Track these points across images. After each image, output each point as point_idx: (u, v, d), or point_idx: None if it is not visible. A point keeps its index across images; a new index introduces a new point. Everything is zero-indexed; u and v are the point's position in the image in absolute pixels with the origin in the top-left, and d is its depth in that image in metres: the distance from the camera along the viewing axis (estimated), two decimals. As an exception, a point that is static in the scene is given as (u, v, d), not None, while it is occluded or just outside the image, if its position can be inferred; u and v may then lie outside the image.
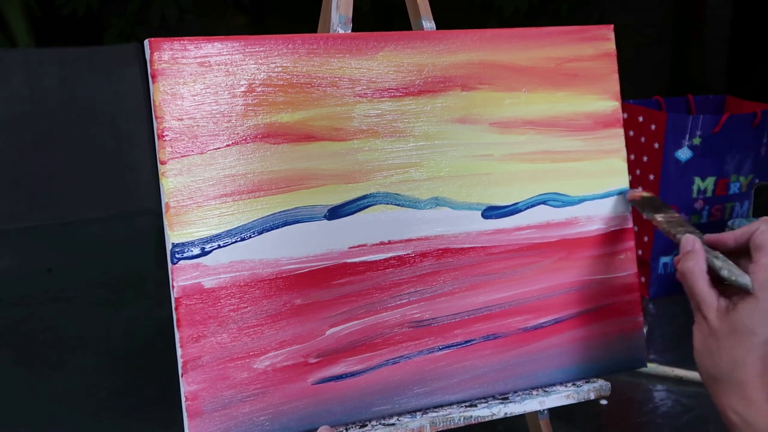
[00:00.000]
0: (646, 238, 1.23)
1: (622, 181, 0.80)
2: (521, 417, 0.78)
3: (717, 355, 0.61)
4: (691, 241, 0.65)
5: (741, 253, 0.65)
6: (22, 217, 1.72)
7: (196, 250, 0.63)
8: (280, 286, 0.66)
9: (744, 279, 0.61)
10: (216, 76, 0.64)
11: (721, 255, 0.64)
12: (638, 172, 1.23)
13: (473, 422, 0.72)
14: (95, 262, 1.50)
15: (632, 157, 1.23)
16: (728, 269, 0.63)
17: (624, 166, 0.80)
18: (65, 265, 1.47)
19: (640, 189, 0.80)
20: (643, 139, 1.22)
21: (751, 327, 0.60)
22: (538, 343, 0.76)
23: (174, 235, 0.62)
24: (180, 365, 0.62)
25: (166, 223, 0.62)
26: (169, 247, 0.62)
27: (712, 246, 0.66)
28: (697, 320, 0.64)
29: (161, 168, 0.62)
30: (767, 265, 0.61)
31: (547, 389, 0.76)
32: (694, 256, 0.64)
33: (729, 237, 0.65)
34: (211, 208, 0.64)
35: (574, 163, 0.78)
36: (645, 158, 1.22)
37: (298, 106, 0.67)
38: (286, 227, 0.66)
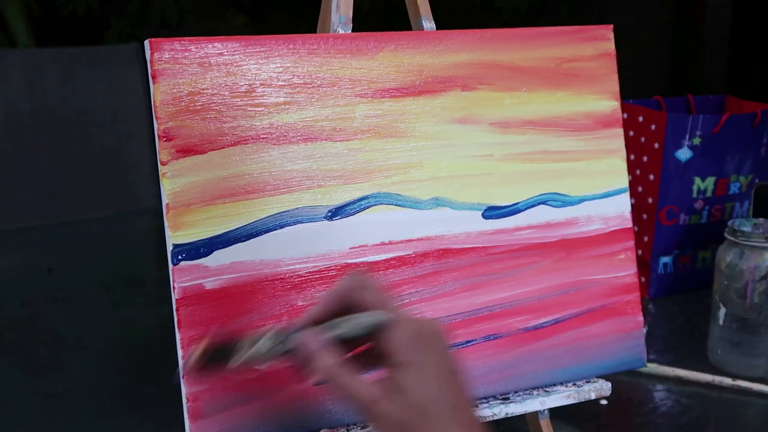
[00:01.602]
0: (646, 238, 1.23)
1: (622, 181, 0.80)
2: (522, 417, 0.78)
3: None
4: (305, 341, 0.53)
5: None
6: (22, 217, 1.72)
7: (197, 251, 0.63)
8: (281, 287, 0.66)
9: (377, 317, 0.53)
10: (216, 77, 0.64)
11: (331, 322, 0.55)
12: (638, 172, 1.23)
13: (474, 422, 0.72)
14: (95, 262, 1.50)
15: (632, 157, 1.23)
16: (352, 327, 0.54)
17: (624, 166, 0.80)
18: (65, 265, 1.47)
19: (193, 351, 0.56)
20: (643, 139, 1.22)
21: (432, 396, 0.51)
22: (539, 343, 0.76)
23: (175, 236, 0.62)
24: (181, 366, 0.62)
25: (166, 223, 0.62)
26: (169, 248, 0.62)
27: (317, 324, 0.55)
28: (371, 421, 0.53)
29: (162, 168, 0.62)
30: (396, 325, 0.53)
31: (547, 389, 0.76)
32: (321, 355, 0.53)
33: (329, 308, 0.55)
34: (212, 209, 0.64)
35: (574, 163, 0.78)
36: (645, 158, 1.22)
37: (298, 107, 0.67)
38: (286, 228, 0.66)
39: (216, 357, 0.55)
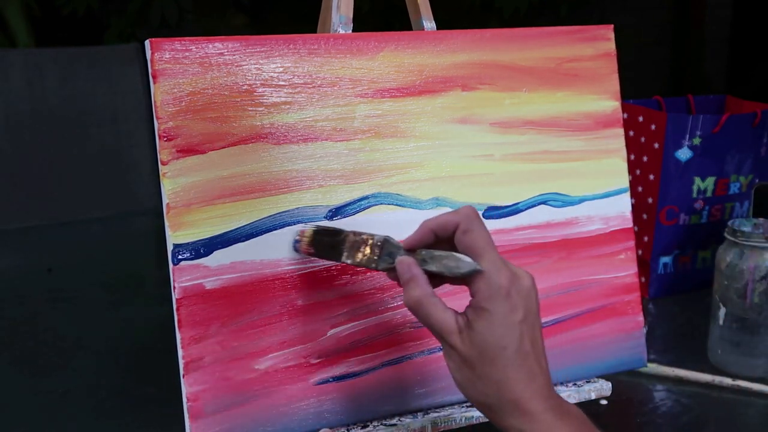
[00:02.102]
0: (646, 238, 1.23)
1: (623, 180, 0.80)
2: (522, 417, 0.77)
3: (480, 382, 0.56)
4: (406, 266, 0.58)
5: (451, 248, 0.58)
6: (22, 217, 1.71)
7: (197, 251, 0.63)
8: (281, 287, 0.66)
9: (468, 267, 0.56)
10: (217, 76, 0.64)
11: (431, 252, 0.58)
12: (638, 172, 1.23)
13: (474, 422, 0.72)
14: (95, 262, 1.49)
15: (632, 157, 1.23)
16: (446, 264, 0.57)
17: (624, 166, 0.80)
18: (65, 265, 1.47)
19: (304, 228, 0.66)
20: (643, 139, 1.22)
21: (495, 343, 0.55)
22: (539, 344, 0.76)
23: (175, 235, 0.62)
24: (181, 366, 0.62)
25: (167, 223, 0.62)
26: (170, 248, 0.62)
27: (415, 249, 0.59)
28: (444, 350, 0.58)
29: (162, 168, 0.62)
30: (488, 271, 0.56)
31: (547, 389, 0.76)
32: (416, 282, 0.57)
33: (426, 234, 0.59)
34: (212, 209, 0.64)
35: (574, 163, 0.78)
36: (645, 158, 1.22)
37: (299, 106, 0.67)
38: (287, 228, 0.66)
39: (322, 244, 0.64)
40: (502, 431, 0.57)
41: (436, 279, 0.59)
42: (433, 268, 0.58)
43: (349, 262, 0.62)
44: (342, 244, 0.62)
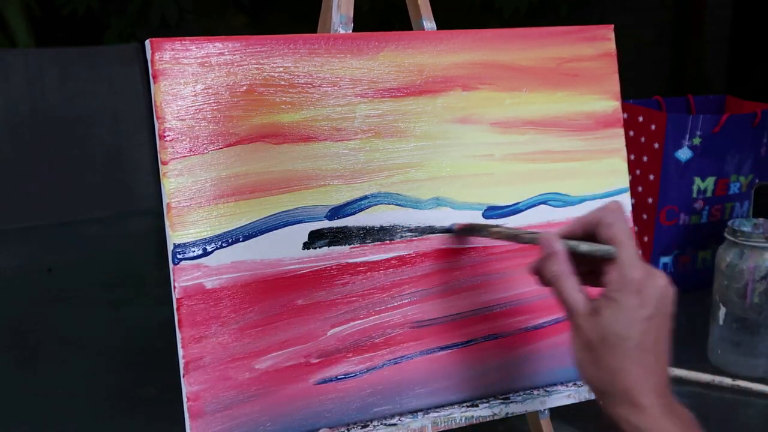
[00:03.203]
0: (646, 238, 1.23)
1: (623, 180, 0.80)
2: (522, 417, 0.78)
3: (596, 365, 0.58)
4: (549, 241, 0.60)
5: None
6: (22, 217, 1.72)
7: (198, 251, 0.63)
8: (281, 287, 0.66)
9: (605, 248, 0.58)
10: (217, 76, 0.64)
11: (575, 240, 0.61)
12: (638, 172, 1.23)
13: (475, 422, 0.72)
14: (95, 262, 1.50)
15: (632, 157, 1.23)
16: (587, 244, 0.59)
17: (624, 166, 0.80)
18: (65, 265, 1.47)
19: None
20: (643, 139, 1.22)
21: (618, 332, 0.57)
22: (539, 343, 0.76)
23: (175, 235, 0.62)
24: (182, 366, 0.62)
25: (167, 223, 0.62)
26: (170, 247, 0.62)
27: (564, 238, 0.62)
28: (571, 329, 0.60)
29: (162, 168, 0.62)
30: (622, 263, 0.58)
31: (548, 389, 0.76)
32: (557, 258, 0.60)
33: (576, 228, 0.62)
34: (213, 209, 0.64)
35: (574, 163, 0.78)
36: (645, 158, 1.22)
37: (299, 106, 0.67)
38: (287, 227, 0.66)
39: (473, 230, 0.71)
40: (611, 417, 0.59)
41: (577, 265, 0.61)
42: (572, 244, 0.60)
43: (493, 235, 0.69)
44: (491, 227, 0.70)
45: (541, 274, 0.61)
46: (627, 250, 0.58)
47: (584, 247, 0.59)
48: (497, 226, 0.70)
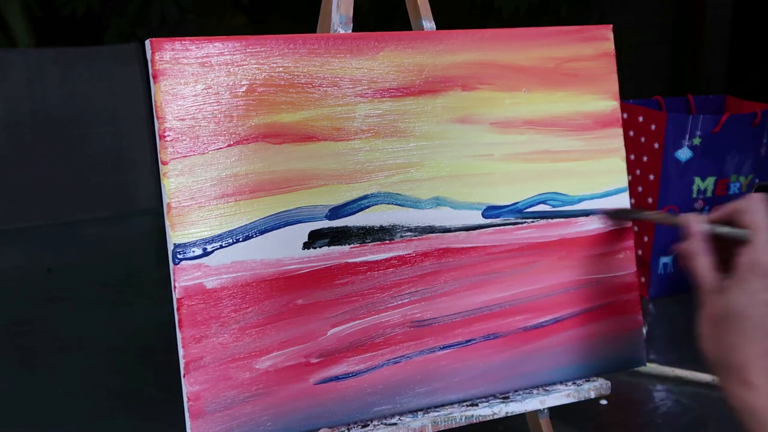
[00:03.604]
0: (646, 238, 1.23)
1: (622, 180, 0.80)
2: (522, 416, 0.78)
3: (716, 339, 0.61)
4: (689, 221, 0.66)
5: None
6: (22, 217, 1.72)
7: (198, 251, 0.63)
8: (281, 286, 0.66)
9: (740, 231, 0.62)
10: (217, 76, 0.64)
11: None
12: (638, 172, 1.24)
13: (474, 421, 0.72)
14: (95, 262, 1.50)
15: (632, 157, 1.23)
16: (726, 228, 0.64)
17: (623, 165, 0.80)
18: (65, 265, 1.47)
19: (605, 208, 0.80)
20: (643, 139, 1.22)
21: (741, 310, 0.60)
22: (539, 343, 0.76)
23: (176, 235, 0.62)
24: (182, 366, 0.62)
25: (167, 223, 0.62)
26: (170, 247, 0.62)
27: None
28: (701, 303, 0.64)
29: (163, 168, 0.62)
30: (755, 247, 0.61)
31: (547, 388, 0.76)
32: (694, 237, 0.65)
33: (721, 215, 0.66)
34: (213, 209, 0.64)
35: (573, 163, 0.78)
36: (645, 158, 1.22)
37: (299, 106, 0.67)
38: (287, 227, 0.66)
39: (623, 214, 0.78)
40: (723, 390, 0.62)
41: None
42: (716, 228, 0.64)
43: (644, 217, 0.78)
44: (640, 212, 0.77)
45: (682, 252, 0.66)
46: (762, 235, 0.61)
47: (722, 229, 0.64)
48: (646, 210, 0.79)
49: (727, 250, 0.64)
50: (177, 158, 0.63)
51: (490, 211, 0.74)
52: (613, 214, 0.78)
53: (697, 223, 0.66)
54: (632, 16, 3.50)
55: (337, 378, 0.68)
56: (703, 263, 0.64)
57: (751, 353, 0.60)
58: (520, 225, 0.75)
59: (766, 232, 0.62)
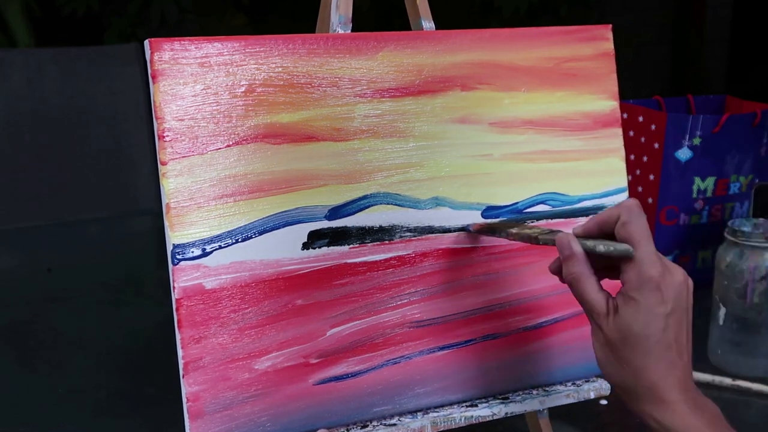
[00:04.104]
0: (646, 238, 1.23)
1: (621, 180, 0.80)
2: (521, 416, 0.78)
3: (619, 365, 0.59)
4: (567, 243, 0.61)
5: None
6: (22, 217, 1.72)
7: (197, 251, 0.63)
8: (281, 287, 0.66)
9: (622, 247, 0.58)
10: (216, 77, 0.64)
11: (590, 239, 0.61)
12: (638, 172, 1.23)
13: (474, 422, 0.72)
14: (95, 262, 1.50)
15: (632, 157, 1.23)
16: (604, 244, 0.59)
17: (623, 165, 0.80)
18: (65, 265, 1.47)
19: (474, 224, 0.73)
20: (643, 139, 1.22)
21: (639, 331, 0.57)
22: (538, 343, 0.76)
23: (175, 235, 0.62)
24: (181, 366, 0.62)
25: (166, 223, 0.62)
26: (169, 248, 0.62)
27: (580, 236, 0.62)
28: (592, 328, 0.61)
29: (162, 169, 0.62)
30: (640, 261, 0.58)
31: (547, 389, 0.76)
32: (575, 260, 0.60)
33: (592, 226, 0.62)
34: (212, 209, 0.64)
35: (573, 163, 0.78)
36: (645, 158, 1.22)
37: (298, 107, 0.67)
38: (286, 227, 0.66)
39: (490, 230, 0.71)
40: (636, 415, 0.59)
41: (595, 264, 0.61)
42: (590, 245, 0.60)
43: (511, 236, 0.68)
44: (508, 227, 0.69)
45: (561, 274, 0.62)
46: (644, 248, 0.58)
47: (601, 247, 0.59)
48: (516, 225, 0.70)
49: (610, 261, 0.60)
50: (176, 158, 0.63)
51: (489, 211, 0.74)
52: (483, 231, 0.72)
53: (574, 244, 0.60)
54: (632, 16, 3.50)
55: (336, 378, 0.68)
56: (588, 286, 0.60)
57: (660, 371, 0.57)
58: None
59: (648, 241, 0.58)
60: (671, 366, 0.58)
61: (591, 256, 0.60)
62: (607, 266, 0.62)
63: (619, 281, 0.60)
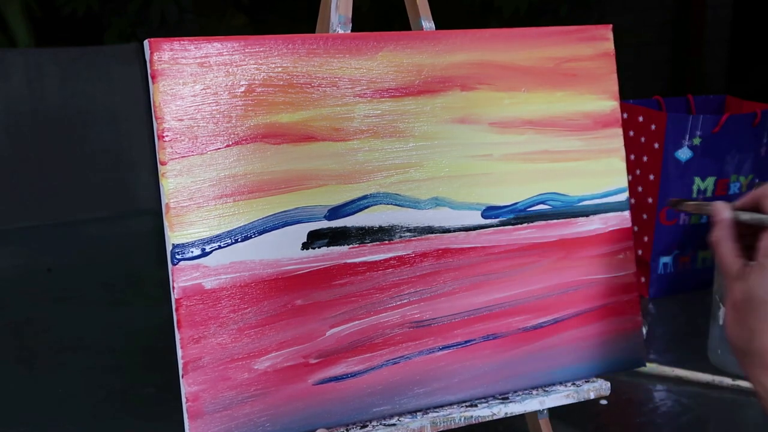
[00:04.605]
0: (645, 238, 1.23)
1: (621, 180, 0.80)
2: (521, 417, 0.78)
3: (739, 325, 0.61)
4: (717, 209, 0.66)
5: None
6: (22, 217, 1.72)
7: (197, 251, 0.63)
8: (280, 287, 0.66)
9: (759, 217, 0.62)
10: (216, 77, 0.64)
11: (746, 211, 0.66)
12: (638, 172, 1.23)
13: (474, 422, 0.72)
14: (95, 262, 1.50)
15: (632, 157, 1.23)
16: (748, 214, 0.63)
17: (623, 165, 0.80)
18: (65, 265, 1.47)
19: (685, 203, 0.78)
20: (643, 139, 1.22)
21: (761, 295, 0.60)
22: (538, 343, 0.76)
23: (174, 235, 0.62)
24: (180, 366, 0.62)
25: (166, 223, 0.62)
26: (169, 247, 0.62)
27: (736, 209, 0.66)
28: (726, 291, 0.64)
29: (161, 169, 0.62)
30: None
31: (547, 389, 0.76)
32: (721, 225, 0.65)
33: (749, 200, 0.66)
34: (212, 209, 0.64)
35: (573, 163, 0.78)
36: (645, 158, 1.22)
37: (298, 107, 0.67)
38: (286, 227, 0.66)
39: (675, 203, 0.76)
40: (748, 378, 0.62)
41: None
42: (736, 213, 0.64)
43: (688, 208, 0.75)
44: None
45: (710, 240, 0.65)
46: None
47: (744, 216, 0.64)
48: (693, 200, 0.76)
49: (753, 236, 0.64)
50: (176, 158, 0.63)
51: (489, 211, 0.74)
52: (674, 204, 0.77)
53: (723, 211, 0.65)
54: (632, 16, 3.50)
55: (336, 378, 0.68)
56: (726, 249, 0.64)
57: None
58: (519, 225, 0.75)
59: None
60: None
61: (740, 225, 0.64)
62: (750, 244, 0.64)
63: None
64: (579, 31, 0.78)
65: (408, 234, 0.71)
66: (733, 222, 0.64)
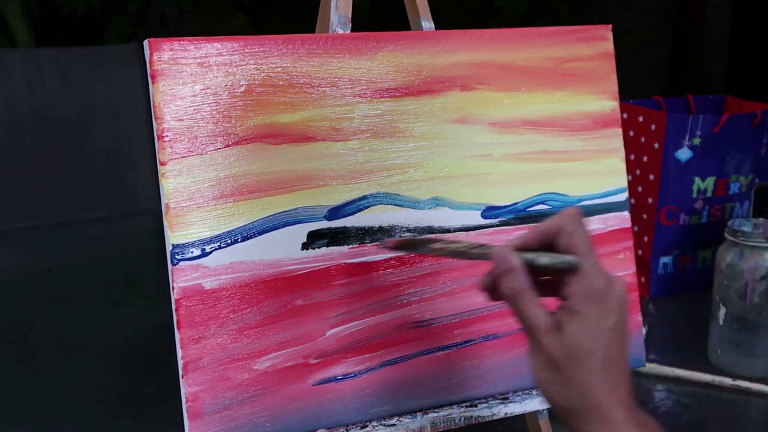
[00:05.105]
0: (645, 238, 1.23)
1: (621, 180, 0.80)
2: (521, 417, 0.78)
3: (563, 385, 0.55)
4: (505, 257, 0.55)
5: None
6: (22, 217, 1.72)
7: (197, 251, 0.63)
8: (280, 287, 0.66)
9: (568, 258, 0.54)
10: (216, 77, 0.64)
11: (531, 252, 0.56)
12: (638, 172, 1.23)
13: (474, 422, 0.72)
14: (95, 262, 1.50)
15: (632, 157, 1.23)
16: (547, 256, 0.55)
17: (622, 165, 0.80)
18: (65, 265, 1.47)
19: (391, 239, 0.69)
20: (643, 139, 1.22)
21: (585, 346, 0.54)
22: (538, 344, 0.76)
23: (174, 236, 0.62)
24: (180, 366, 0.62)
25: (166, 224, 0.62)
26: (169, 248, 0.62)
27: (519, 250, 0.57)
28: (531, 347, 0.56)
29: (161, 169, 0.62)
30: (586, 273, 0.54)
31: (546, 389, 0.76)
32: (515, 274, 0.55)
33: (533, 239, 0.57)
34: (211, 209, 0.64)
35: (572, 163, 0.78)
36: (645, 158, 1.22)
37: (297, 107, 0.67)
38: (286, 228, 0.66)
39: (409, 246, 0.65)
40: None
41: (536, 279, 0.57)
42: (530, 257, 0.55)
43: (434, 252, 0.61)
44: (430, 242, 0.62)
45: (494, 290, 0.57)
46: (589, 259, 0.55)
47: (544, 259, 0.55)
48: (439, 241, 0.62)
49: (548, 275, 0.57)
50: (175, 159, 0.63)
51: (489, 211, 0.74)
52: (401, 247, 0.67)
53: (509, 258, 0.55)
54: (632, 16, 3.50)
55: (336, 379, 0.68)
56: (528, 302, 0.55)
57: (607, 389, 0.54)
58: (519, 225, 0.75)
59: (592, 252, 0.55)
60: (617, 383, 0.55)
61: (529, 270, 0.56)
62: (544, 282, 0.58)
63: (554, 299, 0.56)
64: (579, 31, 0.78)
65: (408, 234, 0.71)
66: (526, 269, 0.55)
